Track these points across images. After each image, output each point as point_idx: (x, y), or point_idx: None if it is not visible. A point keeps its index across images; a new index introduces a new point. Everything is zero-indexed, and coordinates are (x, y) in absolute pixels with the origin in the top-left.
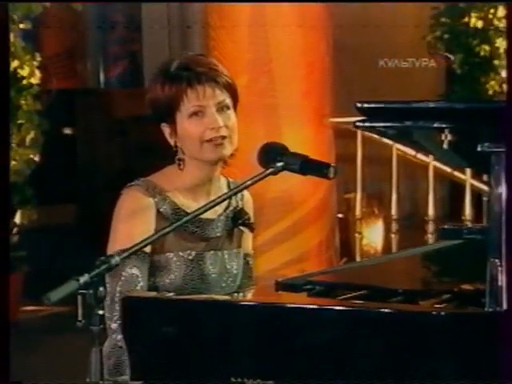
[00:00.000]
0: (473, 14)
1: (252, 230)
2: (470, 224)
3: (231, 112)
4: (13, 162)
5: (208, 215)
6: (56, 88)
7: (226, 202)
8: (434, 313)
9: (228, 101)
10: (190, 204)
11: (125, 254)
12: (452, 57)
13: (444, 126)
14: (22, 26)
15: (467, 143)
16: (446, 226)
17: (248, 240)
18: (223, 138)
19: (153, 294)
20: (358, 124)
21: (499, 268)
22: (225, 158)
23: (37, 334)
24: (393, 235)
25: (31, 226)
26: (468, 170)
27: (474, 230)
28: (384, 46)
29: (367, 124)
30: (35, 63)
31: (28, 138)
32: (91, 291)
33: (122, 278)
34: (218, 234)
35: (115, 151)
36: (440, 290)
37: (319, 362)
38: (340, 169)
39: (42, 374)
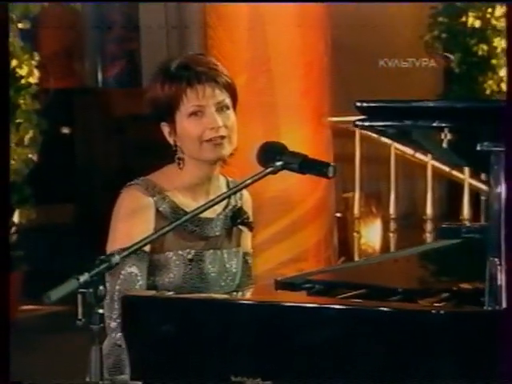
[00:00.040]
0: (470, 14)
1: (251, 229)
2: (468, 223)
3: (231, 112)
4: (11, 162)
5: (207, 214)
6: (54, 87)
7: (225, 201)
8: (433, 311)
9: (227, 101)
10: (189, 203)
11: (125, 253)
12: (452, 57)
13: (443, 125)
14: (20, 25)
15: (466, 142)
16: (444, 225)
17: (247, 239)
18: (222, 137)
19: (152, 292)
20: (357, 123)
21: (498, 267)
22: (224, 157)
23: (35, 333)
24: (391, 234)
25: (30, 225)
26: (466, 170)
27: (473, 229)
28: (382, 45)
29: (367, 123)
30: (34, 63)
31: (26, 138)
32: (91, 290)
33: (121, 277)
34: (217, 233)
35: (113, 150)
36: (439, 288)
37: (319, 360)
38: (338, 168)
39: (40, 373)
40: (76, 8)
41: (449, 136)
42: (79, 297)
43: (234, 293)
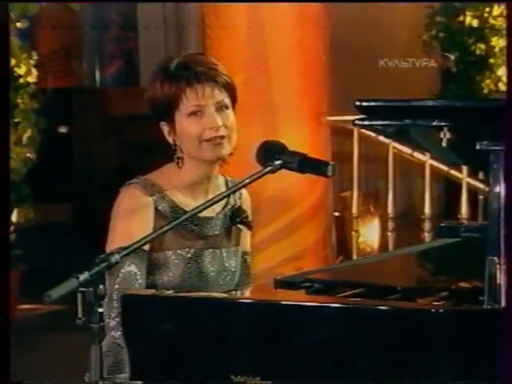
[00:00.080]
0: (468, 13)
1: (250, 228)
2: (466, 222)
3: (230, 111)
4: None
5: (206, 213)
6: (52, 87)
7: (224, 201)
8: (432, 310)
9: (227, 100)
10: (188, 202)
11: (124, 252)
12: (452, 57)
13: (443, 124)
14: (18, 24)
15: (466, 141)
16: (442, 224)
17: (246, 238)
18: (222, 137)
19: (151, 291)
20: (356, 122)
21: (497, 266)
22: (224, 157)
23: (33, 332)
24: (389, 233)
25: (28, 224)
26: (464, 169)
27: (471, 228)
28: (380, 45)
29: (366, 122)
30: (32, 62)
31: (25, 137)
32: (91, 289)
33: (121, 276)
34: (217, 232)
35: (111, 149)
36: (438, 287)
37: (318, 359)
38: (337, 167)
39: (39, 372)
40: (74, 8)
41: (448, 135)
42: (79, 296)
43: (234, 292)
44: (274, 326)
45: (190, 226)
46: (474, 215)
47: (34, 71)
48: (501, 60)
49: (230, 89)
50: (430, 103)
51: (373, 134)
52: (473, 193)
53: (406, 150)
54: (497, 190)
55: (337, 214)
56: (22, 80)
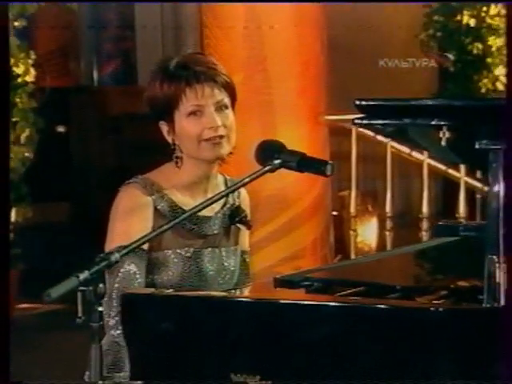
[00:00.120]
0: (465, 12)
1: (249, 227)
2: (465, 221)
3: (229, 111)
4: None
5: (205, 213)
6: (50, 86)
7: (223, 200)
8: (432, 309)
9: (226, 100)
10: (187, 201)
11: (124, 251)
12: (452, 57)
13: (442, 123)
14: (16, 23)
15: (465, 141)
16: (441, 223)
17: (245, 237)
18: (221, 137)
19: (151, 290)
20: (356, 121)
21: (497, 264)
22: (223, 156)
23: (31, 331)
24: (387, 233)
25: (26, 223)
26: (462, 168)
27: (470, 227)
28: (378, 44)
29: (365, 121)
30: (30, 61)
31: (23, 136)
32: (91, 288)
33: (120, 275)
34: (216, 232)
35: (109, 149)
36: (437, 286)
37: (318, 358)
38: (335, 166)
39: (38, 372)
40: (72, 7)
41: (447, 134)
42: (79, 295)
43: (233, 291)
44: (274, 325)
45: (190, 225)
46: (471, 214)
47: (32, 70)
48: (498, 59)
49: (229, 88)
50: (430, 102)
51: (371, 134)
52: (470, 192)
53: (404, 149)
54: (496, 188)
55: (335, 213)
56: (20, 79)
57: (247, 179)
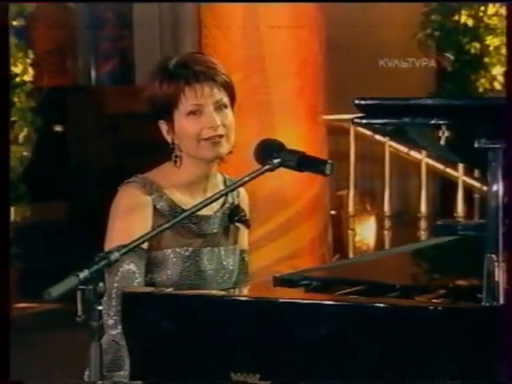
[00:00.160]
0: (463, 12)
1: (248, 226)
2: (463, 220)
3: (229, 111)
4: None
5: (205, 212)
6: (48, 85)
7: (222, 199)
8: (431, 307)
9: (225, 99)
10: (186, 201)
11: (124, 250)
12: (452, 57)
13: (441, 122)
14: (14, 23)
15: (464, 140)
16: (439, 223)
17: (244, 236)
18: (220, 136)
19: (151, 289)
20: (355, 120)
21: (496, 263)
22: (222, 156)
23: (29, 331)
24: (385, 232)
25: (24, 222)
26: (460, 167)
27: (468, 227)
28: (376, 44)
29: (365, 121)
30: (28, 60)
31: (21, 136)
32: (91, 287)
33: (119, 274)
34: (215, 231)
35: (106, 148)
36: (436, 285)
37: (317, 356)
38: (334, 166)
39: (37, 371)
40: (70, 7)
41: (446, 133)
42: (79, 293)
43: (232, 290)
44: (274, 324)
45: (189, 224)
46: (469, 213)
47: (31, 70)
48: (496, 59)
49: (228, 88)
50: (429, 102)
51: (369, 133)
52: (468, 191)
53: (403, 148)
54: (495, 187)
55: (333, 212)
56: (18, 79)
57: (246, 178)
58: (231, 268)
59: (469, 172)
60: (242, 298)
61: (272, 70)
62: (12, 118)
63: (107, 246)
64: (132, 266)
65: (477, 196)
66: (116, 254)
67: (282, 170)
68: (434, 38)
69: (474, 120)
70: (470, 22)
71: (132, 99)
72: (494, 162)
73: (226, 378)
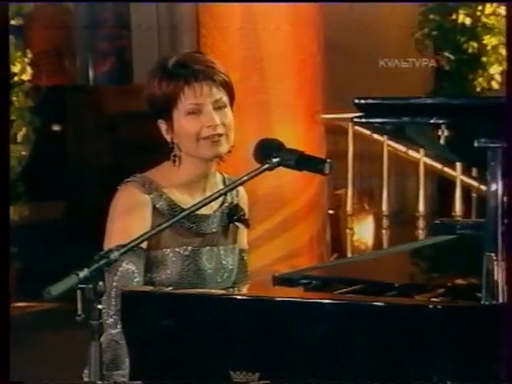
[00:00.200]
0: (461, 11)
1: (247, 225)
2: (461, 219)
3: (228, 110)
4: None
5: (204, 211)
6: (46, 85)
7: (221, 198)
8: (430, 306)
9: (225, 99)
10: (186, 200)
11: (123, 250)
12: (451, 56)
13: (441, 121)
14: (13, 22)
15: (464, 139)
16: (437, 222)
17: (243, 236)
18: (220, 135)
19: (150, 288)
20: (355, 120)
21: (495, 262)
22: (221, 155)
23: (27, 330)
24: (383, 231)
25: (22, 222)
26: (458, 167)
27: (466, 226)
28: (374, 44)
29: (364, 120)
30: (26, 60)
31: (19, 135)
32: (90, 286)
33: (119, 274)
34: (214, 230)
35: (105, 147)
36: (435, 284)
37: (317, 355)
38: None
39: (36, 370)
40: (68, 7)
41: (446, 132)
42: (78, 292)
43: (231, 289)
44: (273, 323)
45: (188, 223)
46: (467, 212)
47: (29, 69)
48: (493, 58)
49: (227, 87)
50: (429, 101)
51: (367, 132)
52: (466, 190)
53: (401, 148)
54: (494, 186)
55: (331, 211)
56: (16, 78)
57: (245, 177)
58: (230, 267)
59: (467, 171)
60: (242, 297)
61: (270, 71)
62: (10, 118)
63: (106, 245)
64: (131, 266)
65: (474, 195)
66: (115, 254)
67: (280, 169)
68: (432, 37)
69: (473, 119)
70: (468, 22)
71: (130, 99)
72: (493, 162)
73: (225, 377)
